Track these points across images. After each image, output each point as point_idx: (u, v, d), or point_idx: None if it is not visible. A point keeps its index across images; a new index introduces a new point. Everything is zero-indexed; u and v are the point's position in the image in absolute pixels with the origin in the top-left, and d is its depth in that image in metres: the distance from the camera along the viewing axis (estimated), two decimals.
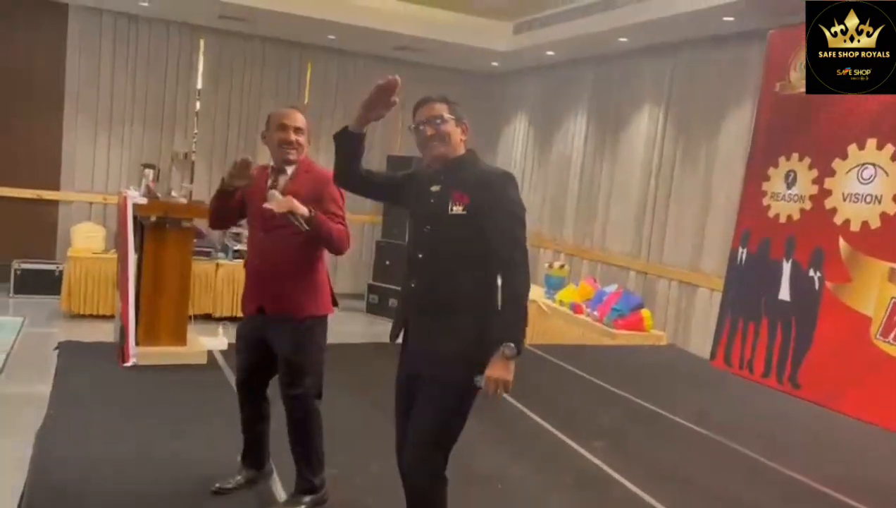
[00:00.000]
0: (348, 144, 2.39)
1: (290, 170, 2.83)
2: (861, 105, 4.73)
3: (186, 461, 3.15)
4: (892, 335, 4.49)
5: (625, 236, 6.99)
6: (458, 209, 2.21)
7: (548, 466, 3.51)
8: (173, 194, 5.03)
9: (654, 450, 3.84)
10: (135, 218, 4.59)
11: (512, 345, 2.10)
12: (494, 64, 8.44)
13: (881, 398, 4.49)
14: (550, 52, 7.51)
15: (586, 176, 7.59)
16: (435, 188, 2.29)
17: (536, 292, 7.28)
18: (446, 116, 2.29)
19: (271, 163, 2.89)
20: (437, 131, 2.29)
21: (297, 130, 2.81)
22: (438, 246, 2.27)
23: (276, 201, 2.65)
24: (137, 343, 4.45)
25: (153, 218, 4.54)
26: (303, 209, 2.65)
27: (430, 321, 2.26)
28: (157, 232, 4.52)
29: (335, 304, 2.93)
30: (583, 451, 3.69)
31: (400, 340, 2.39)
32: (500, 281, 2.19)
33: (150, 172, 4.81)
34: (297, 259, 2.80)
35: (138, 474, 3.01)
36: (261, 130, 2.95)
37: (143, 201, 4.47)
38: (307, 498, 2.81)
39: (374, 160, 8.68)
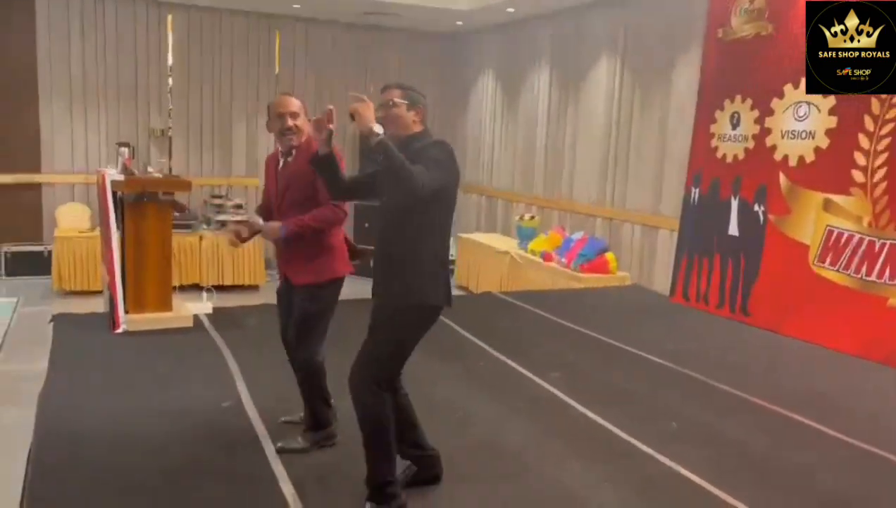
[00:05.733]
0: (323, 166, 2.67)
1: (294, 153, 3.08)
2: (794, 47, 4.99)
3: (178, 409, 3.46)
4: (827, 260, 4.84)
5: (590, 186, 7.27)
6: None
7: (505, 395, 3.83)
8: (150, 169, 5.26)
9: (606, 377, 4.19)
10: (115, 195, 4.84)
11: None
12: (459, 23, 8.60)
13: (821, 319, 4.85)
14: (510, 10, 7.69)
15: (552, 130, 7.83)
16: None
17: (509, 244, 7.61)
18: (397, 100, 2.58)
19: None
20: (388, 114, 2.58)
21: (293, 114, 3.01)
22: (385, 214, 2.62)
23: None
24: (127, 311, 4.74)
25: (132, 194, 4.79)
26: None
27: (380, 274, 2.65)
28: (137, 207, 4.77)
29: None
30: (540, 381, 4.04)
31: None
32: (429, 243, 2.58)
33: (125, 151, 5.00)
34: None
35: (136, 421, 3.32)
36: (263, 120, 3.18)
37: (121, 178, 4.70)
38: (319, 433, 3.11)
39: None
